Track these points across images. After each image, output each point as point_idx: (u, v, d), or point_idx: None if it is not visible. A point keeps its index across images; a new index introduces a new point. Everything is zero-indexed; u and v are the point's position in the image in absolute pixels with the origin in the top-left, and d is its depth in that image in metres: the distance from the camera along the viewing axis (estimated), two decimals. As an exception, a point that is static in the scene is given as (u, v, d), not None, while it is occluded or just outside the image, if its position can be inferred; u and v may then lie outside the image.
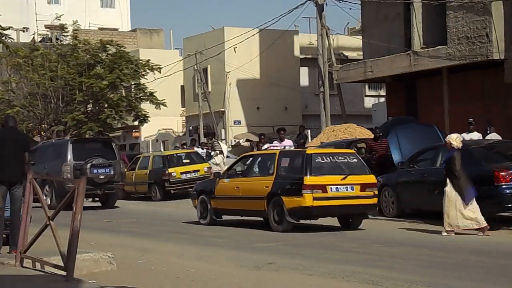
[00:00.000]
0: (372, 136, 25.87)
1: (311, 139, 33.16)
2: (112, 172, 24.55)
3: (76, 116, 38.17)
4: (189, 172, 27.91)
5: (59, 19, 42.01)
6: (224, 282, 10.08)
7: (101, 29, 61.14)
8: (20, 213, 11.35)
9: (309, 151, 16.78)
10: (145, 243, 14.63)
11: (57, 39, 46.48)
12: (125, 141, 52.93)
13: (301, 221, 16.33)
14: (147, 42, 59.19)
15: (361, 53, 34.87)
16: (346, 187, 15.79)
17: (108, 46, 40.00)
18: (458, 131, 21.89)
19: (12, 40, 34.42)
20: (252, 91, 45.56)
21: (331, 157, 16.24)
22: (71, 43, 40.56)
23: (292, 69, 46.74)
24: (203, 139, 43.29)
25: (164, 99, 40.48)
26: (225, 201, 17.48)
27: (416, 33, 28.64)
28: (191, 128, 48.59)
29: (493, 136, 21.21)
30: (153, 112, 42.24)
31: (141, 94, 40.75)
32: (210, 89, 45.97)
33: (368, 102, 48.52)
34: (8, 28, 30.82)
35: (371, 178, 16.29)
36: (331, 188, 15.63)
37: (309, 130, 37.65)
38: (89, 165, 24.29)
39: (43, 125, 39.77)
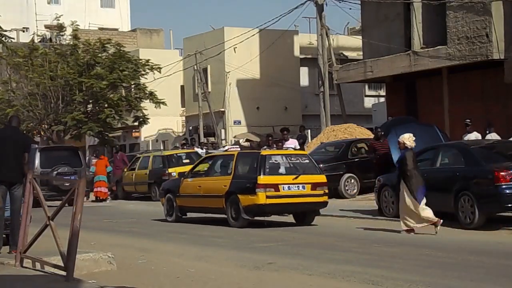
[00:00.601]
0: (372, 136, 25.87)
1: (311, 139, 33.17)
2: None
3: (76, 116, 38.18)
4: (189, 172, 27.85)
5: (59, 19, 42.00)
6: (224, 282, 10.08)
7: (101, 29, 61.12)
8: (20, 213, 11.33)
9: (263, 152, 17.86)
10: (145, 243, 14.64)
11: (56, 40, 46.47)
12: (125, 141, 52.91)
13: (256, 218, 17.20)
14: (147, 42, 59.17)
15: (361, 53, 34.85)
16: (298, 186, 16.94)
17: (107, 46, 39.99)
18: (458, 131, 21.97)
19: (12, 40, 34.41)
20: (252, 91, 45.55)
21: (284, 158, 17.40)
22: (70, 43, 40.56)
23: (292, 69, 46.72)
24: (203, 139, 43.33)
25: (164, 99, 40.50)
26: (189, 199, 18.55)
27: (416, 33, 28.62)
28: (191, 128, 48.57)
29: (493, 136, 21.13)
30: (153, 112, 42.24)
31: (141, 94, 40.76)
32: (210, 89, 45.96)
33: (368, 102, 48.51)
34: (10, 31, 30.87)
35: (321, 178, 17.42)
36: (283, 187, 16.78)
37: (309, 130, 37.63)
38: (55, 173, 25.69)
39: (43, 125, 39.77)
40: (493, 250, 12.79)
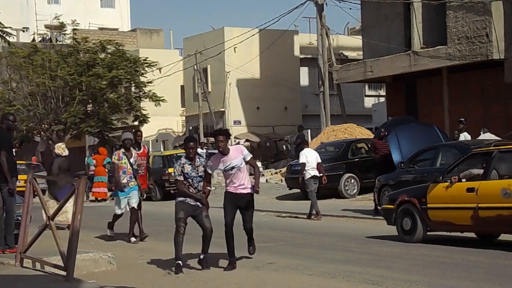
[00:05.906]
0: (372, 135, 25.86)
1: (311, 139, 33.16)
2: None
3: (73, 113, 38.12)
4: (189, 172, 27.83)
5: (58, 19, 42.01)
6: (224, 282, 10.08)
7: (101, 29, 61.11)
8: (10, 213, 11.09)
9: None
10: (145, 243, 14.63)
11: (56, 40, 46.45)
12: (125, 141, 52.85)
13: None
14: (147, 42, 59.14)
15: (361, 53, 34.87)
16: None
17: (108, 46, 39.99)
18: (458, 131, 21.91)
19: (14, 37, 34.33)
20: (252, 91, 45.53)
21: None
22: (70, 43, 40.55)
23: (292, 69, 46.70)
24: (203, 139, 43.31)
25: (164, 97, 40.48)
26: None
27: (416, 33, 28.63)
28: (191, 128, 48.55)
29: (487, 136, 20.83)
30: (153, 112, 42.22)
31: (140, 93, 40.74)
32: (210, 89, 45.95)
33: (368, 102, 48.50)
34: (9, 27, 30.84)
35: None
36: None
37: (309, 130, 37.64)
38: None
39: (43, 125, 39.77)
40: (492, 250, 12.78)
